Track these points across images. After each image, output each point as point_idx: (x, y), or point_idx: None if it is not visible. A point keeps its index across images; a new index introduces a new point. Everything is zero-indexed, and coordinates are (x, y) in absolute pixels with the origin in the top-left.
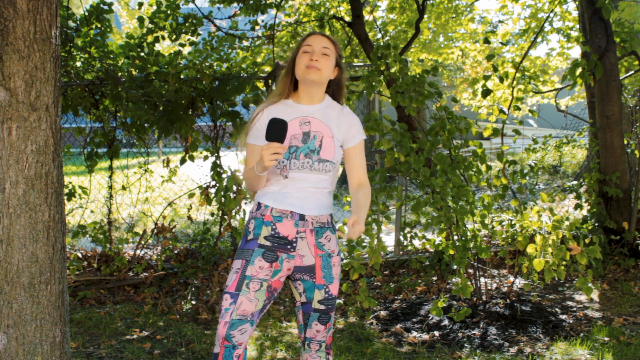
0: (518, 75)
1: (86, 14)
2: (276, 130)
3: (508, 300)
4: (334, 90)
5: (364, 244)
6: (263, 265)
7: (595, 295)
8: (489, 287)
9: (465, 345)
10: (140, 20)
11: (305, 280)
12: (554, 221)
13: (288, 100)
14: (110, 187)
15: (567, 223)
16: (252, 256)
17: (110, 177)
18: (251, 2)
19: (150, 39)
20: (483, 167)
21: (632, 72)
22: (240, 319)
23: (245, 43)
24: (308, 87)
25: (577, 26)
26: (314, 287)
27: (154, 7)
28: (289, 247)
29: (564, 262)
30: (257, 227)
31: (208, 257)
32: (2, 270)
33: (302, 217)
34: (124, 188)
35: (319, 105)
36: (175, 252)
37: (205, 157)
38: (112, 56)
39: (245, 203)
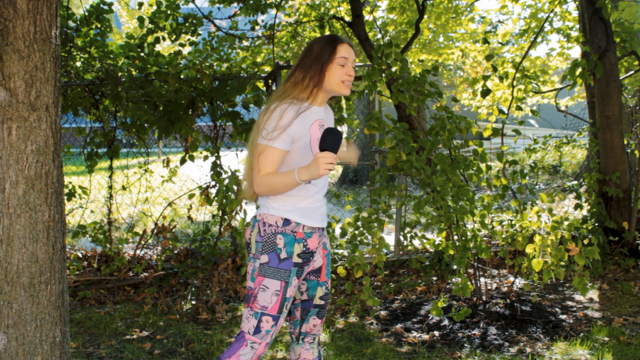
0: (518, 75)
1: (86, 14)
2: (332, 140)
3: (508, 300)
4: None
5: (366, 241)
6: (296, 283)
7: (595, 295)
8: (489, 287)
9: (465, 345)
10: (140, 20)
11: (310, 280)
12: (553, 221)
13: (304, 102)
14: (110, 187)
15: (566, 223)
16: (290, 277)
17: (110, 177)
18: (251, 2)
19: (150, 39)
20: (483, 167)
21: (632, 72)
22: (275, 337)
23: (245, 43)
24: (328, 95)
25: (577, 26)
26: (317, 285)
27: (154, 7)
28: (311, 258)
29: (562, 263)
30: (289, 244)
31: (208, 257)
32: (2, 270)
33: (322, 229)
34: (124, 188)
35: (324, 107)
36: (175, 252)
37: (205, 157)
38: (112, 56)
39: (246, 203)
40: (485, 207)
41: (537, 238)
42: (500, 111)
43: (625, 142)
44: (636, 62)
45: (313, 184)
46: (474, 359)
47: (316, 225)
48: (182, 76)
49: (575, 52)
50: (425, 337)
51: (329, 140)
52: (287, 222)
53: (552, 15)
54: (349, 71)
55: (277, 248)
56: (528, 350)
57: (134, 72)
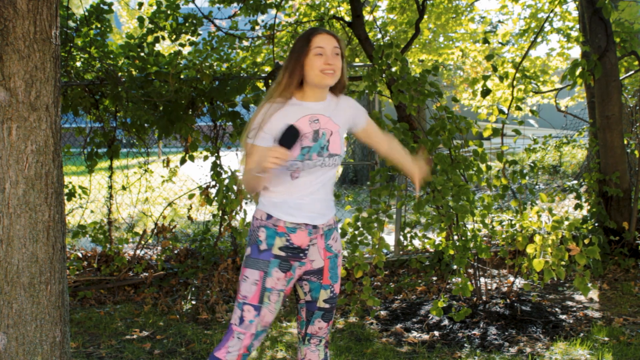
0: (518, 75)
1: (86, 14)
2: (289, 137)
3: (508, 300)
4: (335, 85)
5: (366, 241)
6: (280, 276)
7: (595, 295)
8: (489, 287)
9: (465, 345)
10: (140, 20)
11: (312, 281)
12: (553, 221)
13: (292, 99)
14: (110, 187)
15: (566, 223)
16: (269, 267)
17: (110, 177)
18: (251, 2)
19: (150, 39)
20: (483, 167)
21: (632, 72)
22: (262, 330)
23: (245, 43)
24: (318, 88)
25: (577, 26)
26: (320, 287)
27: (154, 7)
28: (301, 255)
29: (562, 263)
30: (270, 237)
31: (208, 257)
32: (2, 270)
33: (314, 227)
34: (124, 188)
35: (324, 102)
36: (175, 252)
37: (205, 157)
38: (112, 56)
39: (246, 203)
40: (485, 207)
41: (537, 238)
42: (500, 111)
43: (625, 142)
44: (636, 62)
45: (301, 179)
46: (474, 359)
47: (300, 221)
48: (182, 76)
49: (575, 52)
50: (425, 337)
51: (283, 136)
52: (269, 216)
53: (552, 15)
54: (328, 60)
55: (259, 240)
56: (528, 350)
57: (134, 72)
